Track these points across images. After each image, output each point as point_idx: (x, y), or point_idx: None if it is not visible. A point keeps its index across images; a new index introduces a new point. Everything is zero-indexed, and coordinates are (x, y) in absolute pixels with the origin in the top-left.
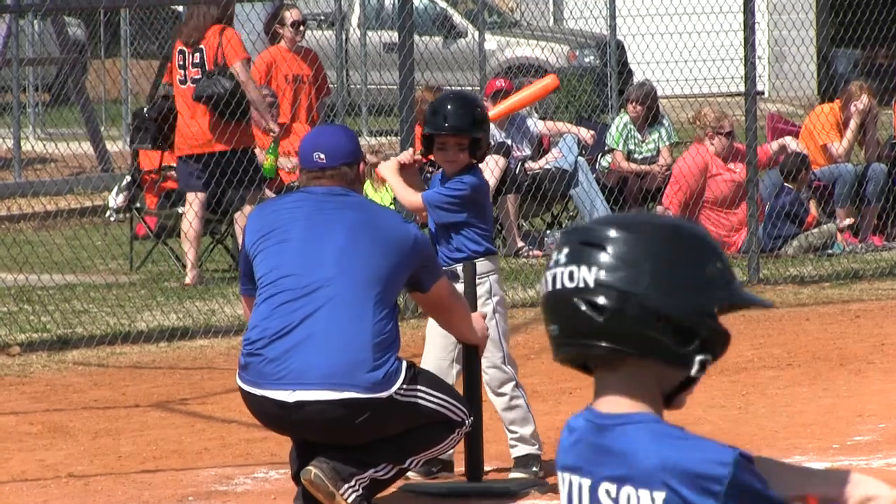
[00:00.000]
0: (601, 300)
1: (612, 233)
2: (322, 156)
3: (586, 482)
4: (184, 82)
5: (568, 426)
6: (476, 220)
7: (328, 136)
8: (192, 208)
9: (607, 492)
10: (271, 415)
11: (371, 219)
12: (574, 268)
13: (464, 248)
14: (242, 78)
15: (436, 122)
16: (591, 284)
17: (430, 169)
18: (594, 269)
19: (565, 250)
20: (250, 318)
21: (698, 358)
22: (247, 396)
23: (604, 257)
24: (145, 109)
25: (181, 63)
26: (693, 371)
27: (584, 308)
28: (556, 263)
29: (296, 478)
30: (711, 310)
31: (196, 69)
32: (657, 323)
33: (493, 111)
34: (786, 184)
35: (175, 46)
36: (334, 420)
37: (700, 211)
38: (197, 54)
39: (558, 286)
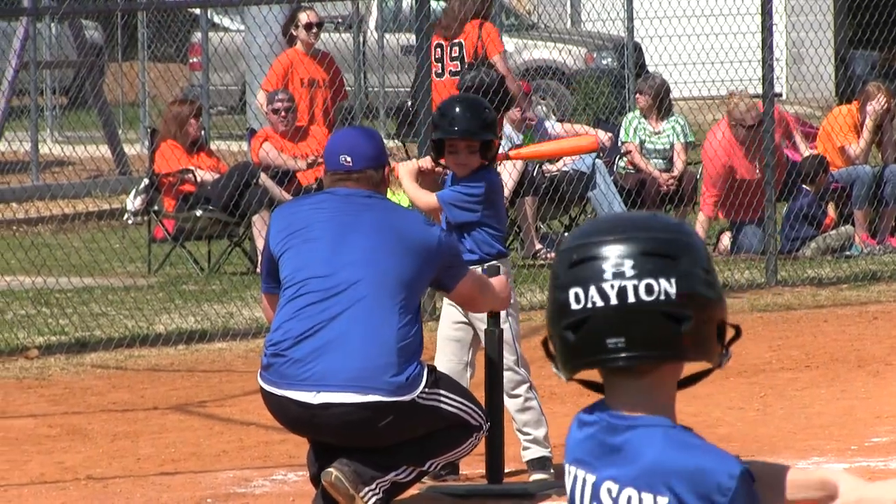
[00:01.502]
0: (685, 311)
1: (673, 239)
2: (349, 159)
3: (591, 478)
4: (441, 75)
5: (578, 419)
6: (490, 220)
7: (355, 138)
8: None
9: (609, 490)
10: (292, 416)
11: (395, 221)
12: (650, 280)
13: (476, 249)
14: (502, 70)
15: (445, 127)
16: (674, 297)
17: (445, 172)
18: (672, 280)
19: (629, 262)
20: (274, 318)
21: (728, 353)
22: (268, 397)
23: (675, 267)
24: (409, 103)
25: (439, 57)
26: (722, 364)
27: (666, 320)
28: (620, 276)
29: (313, 480)
30: None
31: (455, 62)
32: (718, 327)
33: (521, 152)
34: (803, 185)
35: (432, 41)
36: (357, 423)
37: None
38: (455, 48)
39: (632, 300)
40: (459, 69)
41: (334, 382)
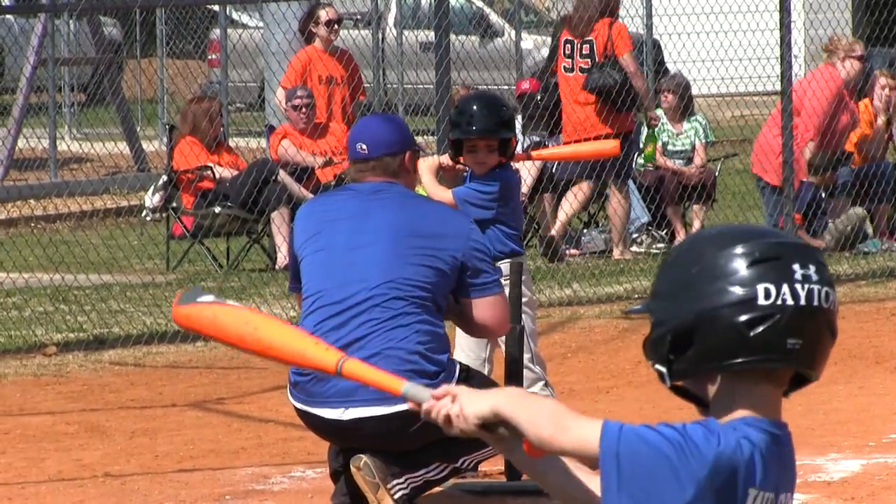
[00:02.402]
0: (836, 324)
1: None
2: (364, 147)
3: (769, 495)
4: (570, 70)
5: (751, 442)
6: (505, 218)
7: (373, 126)
8: (576, 197)
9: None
10: (323, 430)
11: (410, 216)
12: (829, 289)
13: (490, 248)
14: (631, 69)
15: (464, 127)
16: (835, 308)
17: (465, 168)
18: (835, 295)
19: (811, 267)
20: None
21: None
22: (299, 413)
23: (833, 284)
24: (538, 97)
25: (568, 53)
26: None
27: (828, 331)
28: (808, 279)
29: (334, 475)
30: None
31: (584, 59)
32: None
33: (542, 152)
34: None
35: (561, 37)
36: (389, 433)
37: (839, 139)
38: (586, 45)
39: (816, 303)
40: (590, 66)
41: (360, 397)
